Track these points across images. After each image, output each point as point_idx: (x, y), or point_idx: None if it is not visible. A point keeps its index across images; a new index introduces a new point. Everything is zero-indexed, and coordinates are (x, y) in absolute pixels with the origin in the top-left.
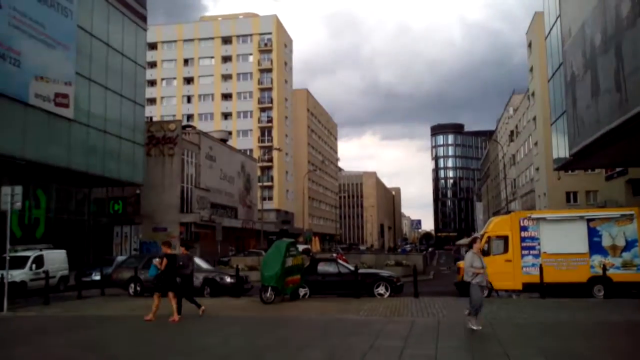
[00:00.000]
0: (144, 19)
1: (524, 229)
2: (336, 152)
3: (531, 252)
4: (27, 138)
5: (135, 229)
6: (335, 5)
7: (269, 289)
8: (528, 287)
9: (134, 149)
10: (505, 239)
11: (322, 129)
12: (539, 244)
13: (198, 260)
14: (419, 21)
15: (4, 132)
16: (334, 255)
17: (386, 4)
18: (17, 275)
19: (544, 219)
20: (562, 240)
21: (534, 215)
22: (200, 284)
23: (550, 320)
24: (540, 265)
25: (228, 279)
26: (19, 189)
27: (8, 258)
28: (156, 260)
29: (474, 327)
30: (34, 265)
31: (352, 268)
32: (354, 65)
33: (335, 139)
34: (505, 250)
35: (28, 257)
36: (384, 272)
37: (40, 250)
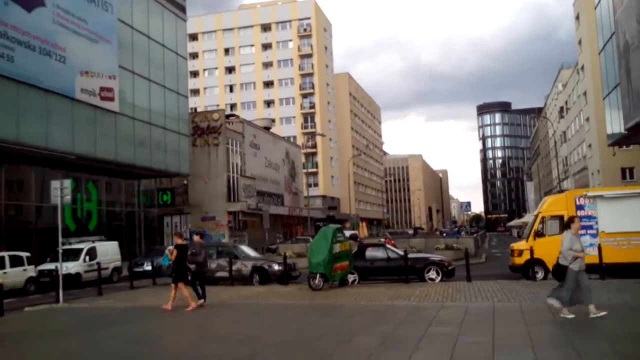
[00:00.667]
0: (183, 9)
1: (580, 207)
2: (380, 136)
3: (588, 231)
4: (76, 133)
5: (184, 219)
6: None
7: (317, 275)
8: (586, 269)
9: (179, 140)
10: (560, 218)
11: (365, 113)
12: (596, 223)
13: (246, 249)
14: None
15: (54, 128)
16: (382, 240)
17: None
18: (72, 267)
19: (601, 196)
20: (622, 219)
21: (590, 193)
22: (249, 272)
23: (612, 303)
24: (599, 245)
25: (276, 267)
26: (67, 183)
27: (61, 251)
28: (168, 250)
29: (569, 316)
30: (87, 257)
31: (401, 253)
32: (395, 47)
33: (379, 122)
34: (561, 230)
35: (81, 250)
36: (435, 256)
37: (93, 242)
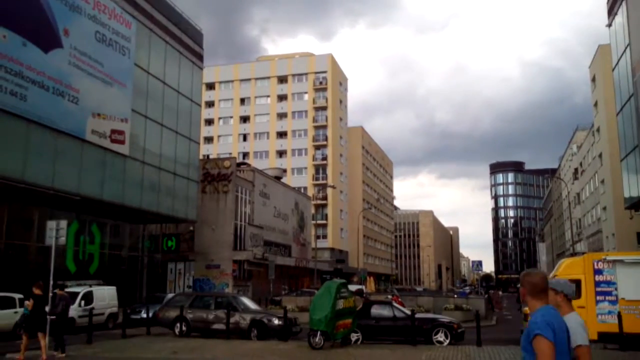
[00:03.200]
0: (200, 57)
1: (598, 272)
2: (392, 191)
3: (607, 297)
4: (83, 174)
5: (188, 266)
6: (391, 46)
7: (318, 333)
8: (604, 337)
9: (188, 186)
10: (577, 283)
11: (377, 167)
12: (615, 289)
13: (246, 300)
14: (475, 61)
15: (62, 168)
16: (389, 297)
17: (442, 44)
18: None
19: (621, 261)
20: None
21: (610, 257)
22: (247, 326)
23: None
24: (619, 312)
25: (276, 321)
26: (63, 224)
27: (51, 295)
28: (26, 302)
29: None
30: (83, 302)
31: (408, 312)
32: (409, 104)
33: (391, 177)
34: (578, 295)
35: (78, 293)
36: (443, 318)
37: (90, 286)
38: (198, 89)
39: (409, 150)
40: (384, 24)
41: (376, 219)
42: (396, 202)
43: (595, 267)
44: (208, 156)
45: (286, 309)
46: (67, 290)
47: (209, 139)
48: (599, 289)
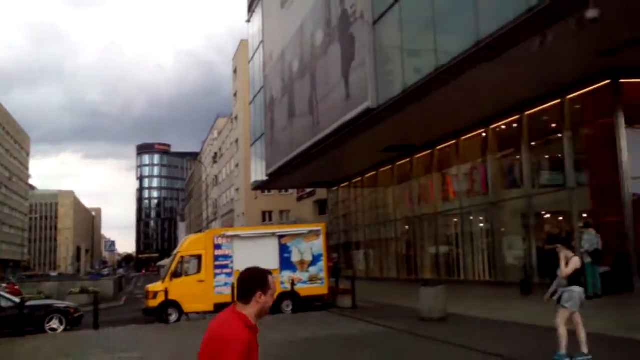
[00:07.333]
0: None
1: (217, 247)
2: (27, 169)
3: (224, 270)
4: None
5: None
6: (37, 14)
7: None
8: (220, 308)
9: None
10: (198, 258)
11: (9, 141)
12: (232, 262)
13: None
14: (131, 45)
15: None
16: (4, 285)
17: (95, 20)
18: None
19: (237, 236)
20: (255, 257)
21: (229, 233)
22: None
23: None
24: (233, 284)
25: None
26: None
27: None
28: None
29: None
30: None
31: (17, 300)
32: (56, 80)
33: (27, 154)
34: (199, 270)
35: None
36: (60, 303)
37: None
38: None
39: (54, 128)
40: None
41: (7, 200)
42: (33, 182)
43: (215, 242)
44: None
45: None
46: None
47: None
48: (217, 263)
